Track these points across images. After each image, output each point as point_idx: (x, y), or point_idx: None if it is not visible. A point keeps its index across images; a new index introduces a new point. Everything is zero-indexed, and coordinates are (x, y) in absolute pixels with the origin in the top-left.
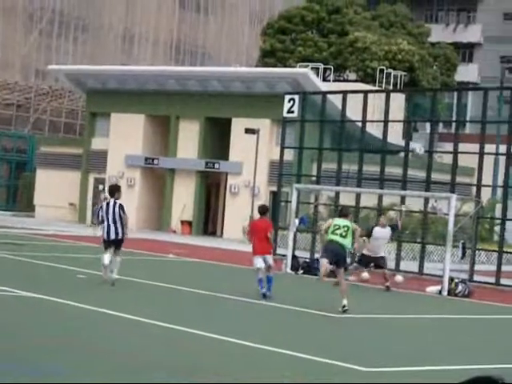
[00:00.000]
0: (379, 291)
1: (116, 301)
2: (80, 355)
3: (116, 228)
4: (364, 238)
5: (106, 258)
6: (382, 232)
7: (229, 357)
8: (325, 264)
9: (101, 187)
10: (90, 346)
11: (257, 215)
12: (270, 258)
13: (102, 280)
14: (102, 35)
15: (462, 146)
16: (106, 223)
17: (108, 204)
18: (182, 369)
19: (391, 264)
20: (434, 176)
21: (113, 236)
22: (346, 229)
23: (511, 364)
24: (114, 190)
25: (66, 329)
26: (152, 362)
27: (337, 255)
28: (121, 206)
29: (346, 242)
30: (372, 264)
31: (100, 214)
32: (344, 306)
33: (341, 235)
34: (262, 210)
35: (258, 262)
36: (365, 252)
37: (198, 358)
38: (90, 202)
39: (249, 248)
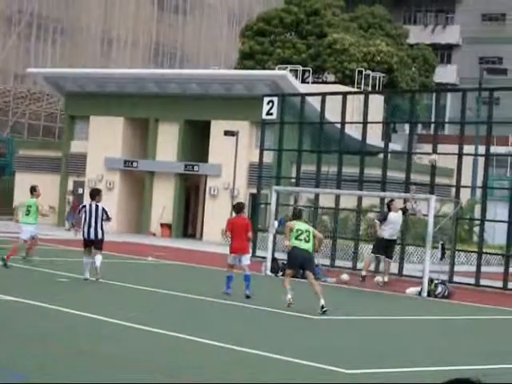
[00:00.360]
0: (358, 292)
1: (95, 304)
2: (59, 358)
3: (96, 229)
4: (377, 222)
5: (86, 264)
6: (395, 216)
7: (205, 358)
8: (290, 274)
9: (80, 190)
10: (69, 349)
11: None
12: (246, 258)
13: (84, 278)
14: (81, 38)
15: (441, 147)
16: (87, 224)
17: (91, 206)
18: (160, 370)
19: (371, 266)
20: (414, 177)
21: (92, 236)
22: (308, 233)
23: (490, 365)
24: (95, 194)
25: (46, 332)
26: (130, 363)
27: (304, 260)
28: (104, 210)
29: (310, 246)
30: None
31: (83, 212)
32: (322, 307)
33: (305, 240)
34: (239, 207)
35: (232, 260)
36: (385, 236)
37: (175, 359)
38: (67, 207)
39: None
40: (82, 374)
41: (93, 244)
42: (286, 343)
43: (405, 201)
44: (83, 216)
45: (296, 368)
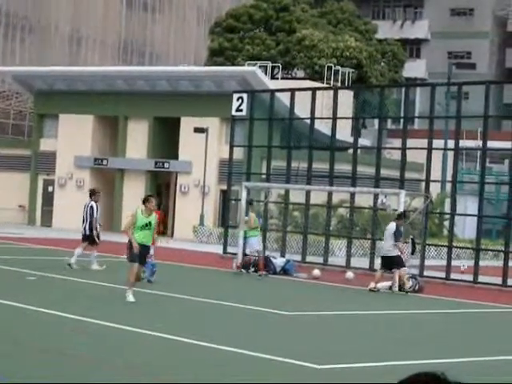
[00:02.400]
0: (329, 288)
1: (61, 302)
2: (24, 356)
3: (84, 225)
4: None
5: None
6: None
7: (175, 355)
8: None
9: (50, 189)
10: (34, 346)
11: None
12: (152, 249)
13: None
14: (49, 36)
15: (410, 142)
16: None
17: (86, 204)
18: (133, 367)
19: (342, 261)
20: (383, 172)
21: (82, 232)
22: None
23: (457, 358)
24: (91, 194)
25: (16, 331)
26: (96, 360)
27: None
28: (91, 207)
29: None
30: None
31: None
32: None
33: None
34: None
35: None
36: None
37: (150, 358)
38: (39, 204)
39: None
40: (60, 375)
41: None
42: (256, 339)
43: (375, 196)
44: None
45: (267, 364)
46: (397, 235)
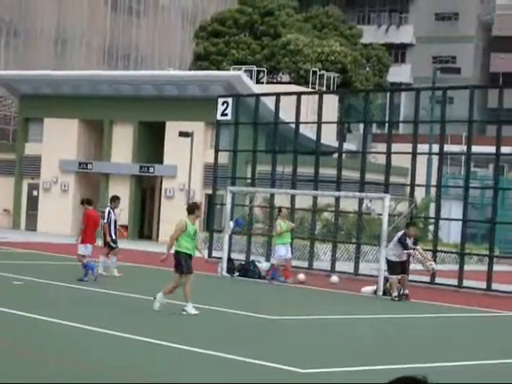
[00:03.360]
0: (314, 292)
1: (44, 305)
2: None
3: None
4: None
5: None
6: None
7: (161, 359)
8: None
9: (35, 193)
10: (19, 350)
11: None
12: (89, 248)
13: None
14: (34, 40)
15: (395, 147)
16: None
17: (103, 211)
18: (117, 370)
19: (327, 265)
20: (368, 176)
21: None
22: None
23: (438, 363)
24: (111, 200)
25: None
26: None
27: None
28: (108, 213)
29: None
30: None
31: None
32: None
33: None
34: (88, 200)
35: (87, 250)
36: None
37: (132, 361)
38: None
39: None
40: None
41: None
42: (241, 343)
43: (360, 201)
44: None
45: (251, 368)
46: (403, 244)
